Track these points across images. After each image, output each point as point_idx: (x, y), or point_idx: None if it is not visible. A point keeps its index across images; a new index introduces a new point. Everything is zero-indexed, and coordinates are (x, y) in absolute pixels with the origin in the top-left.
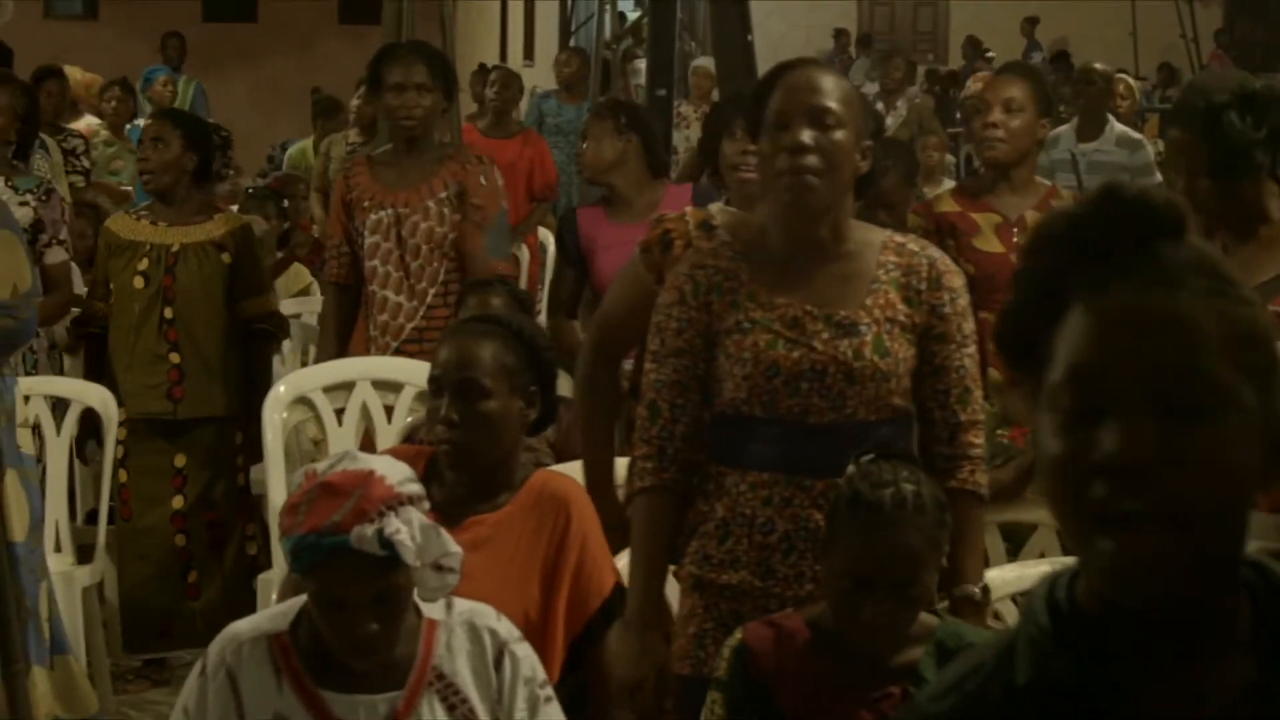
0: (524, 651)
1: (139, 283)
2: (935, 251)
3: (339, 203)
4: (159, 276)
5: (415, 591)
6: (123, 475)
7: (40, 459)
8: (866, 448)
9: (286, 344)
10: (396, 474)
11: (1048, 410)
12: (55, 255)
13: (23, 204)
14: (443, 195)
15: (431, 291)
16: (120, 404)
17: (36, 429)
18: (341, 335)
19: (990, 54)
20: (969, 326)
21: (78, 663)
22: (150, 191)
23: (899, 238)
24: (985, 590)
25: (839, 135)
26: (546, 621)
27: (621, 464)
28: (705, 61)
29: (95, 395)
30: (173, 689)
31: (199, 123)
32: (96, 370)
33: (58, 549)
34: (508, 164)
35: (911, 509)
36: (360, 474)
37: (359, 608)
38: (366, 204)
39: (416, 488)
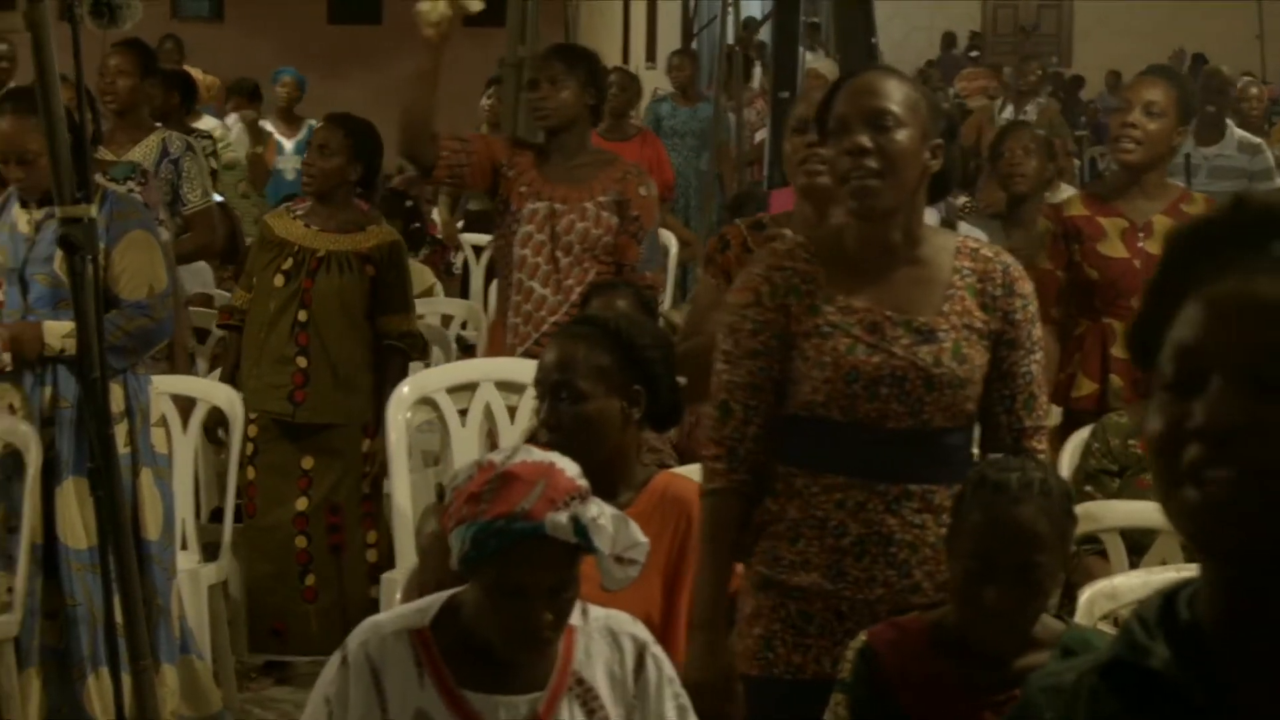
0: (662, 653)
1: (279, 281)
2: (1007, 257)
3: (502, 149)
4: (299, 278)
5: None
6: (250, 472)
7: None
8: (941, 456)
9: None
10: (572, 468)
11: (1154, 390)
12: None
13: (128, 191)
14: (602, 199)
15: (578, 290)
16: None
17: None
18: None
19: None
20: (1037, 333)
21: (202, 661)
22: (309, 193)
23: (972, 242)
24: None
25: (900, 136)
26: (668, 623)
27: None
28: (817, 62)
29: (222, 395)
30: (296, 687)
31: (368, 132)
32: (236, 362)
33: (184, 547)
34: None
35: (1038, 491)
36: (542, 464)
37: (538, 596)
38: (524, 189)
39: (587, 483)
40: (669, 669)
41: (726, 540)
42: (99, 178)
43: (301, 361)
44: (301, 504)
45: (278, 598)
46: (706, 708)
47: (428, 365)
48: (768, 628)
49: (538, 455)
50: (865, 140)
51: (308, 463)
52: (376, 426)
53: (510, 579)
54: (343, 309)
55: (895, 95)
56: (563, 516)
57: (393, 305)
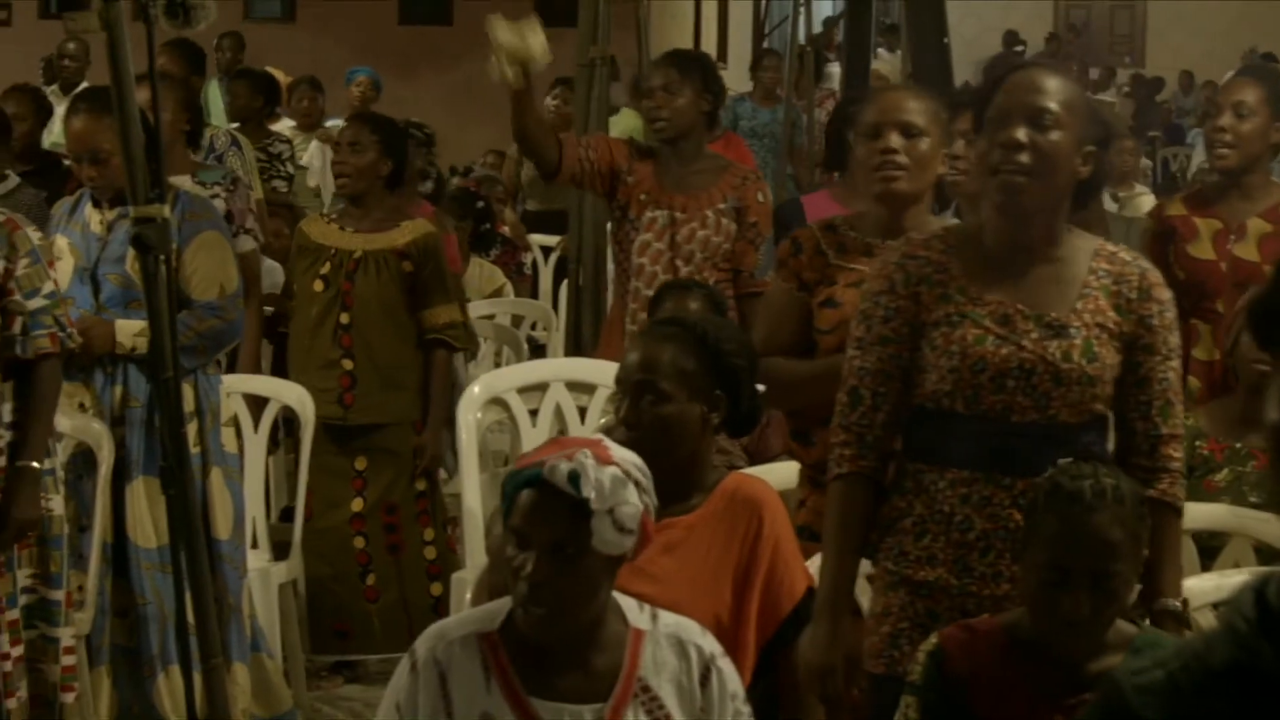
0: (728, 667)
1: (318, 286)
2: (1145, 262)
3: (623, 154)
4: (338, 281)
5: (592, 540)
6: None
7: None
8: (1068, 452)
9: (484, 346)
10: (629, 455)
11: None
12: (244, 244)
13: (213, 197)
14: (721, 206)
15: None
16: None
17: (235, 426)
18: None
19: None
20: (1175, 340)
21: (272, 660)
22: (345, 195)
23: (1111, 246)
24: (1185, 603)
25: (1055, 136)
26: (738, 625)
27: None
28: (881, 63)
29: (293, 394)
30: (365, 685)
31: (396, 128)
32: (282, 370)
33: (254, 546)
34: None
35: (1111, 499)
36: (591, 439)
37: (542, 549)
38: (643, 197)
39: (644, 479)
40: (733, 683)
41: (852, 525)
42: (184, 179)
43: (347, 364)
44: (357, 505)
45: (339, 599)
46: (823, 692)
47: (496, 361)
48: (895, 626)
49: (595, 436)
50: (1021, 135)
51: (360, 463)
52: (424, 422)
53: (517, 526)
54: (384, 308)
55: (1058, 95)
56: (564, 465)
57: (433, 298)
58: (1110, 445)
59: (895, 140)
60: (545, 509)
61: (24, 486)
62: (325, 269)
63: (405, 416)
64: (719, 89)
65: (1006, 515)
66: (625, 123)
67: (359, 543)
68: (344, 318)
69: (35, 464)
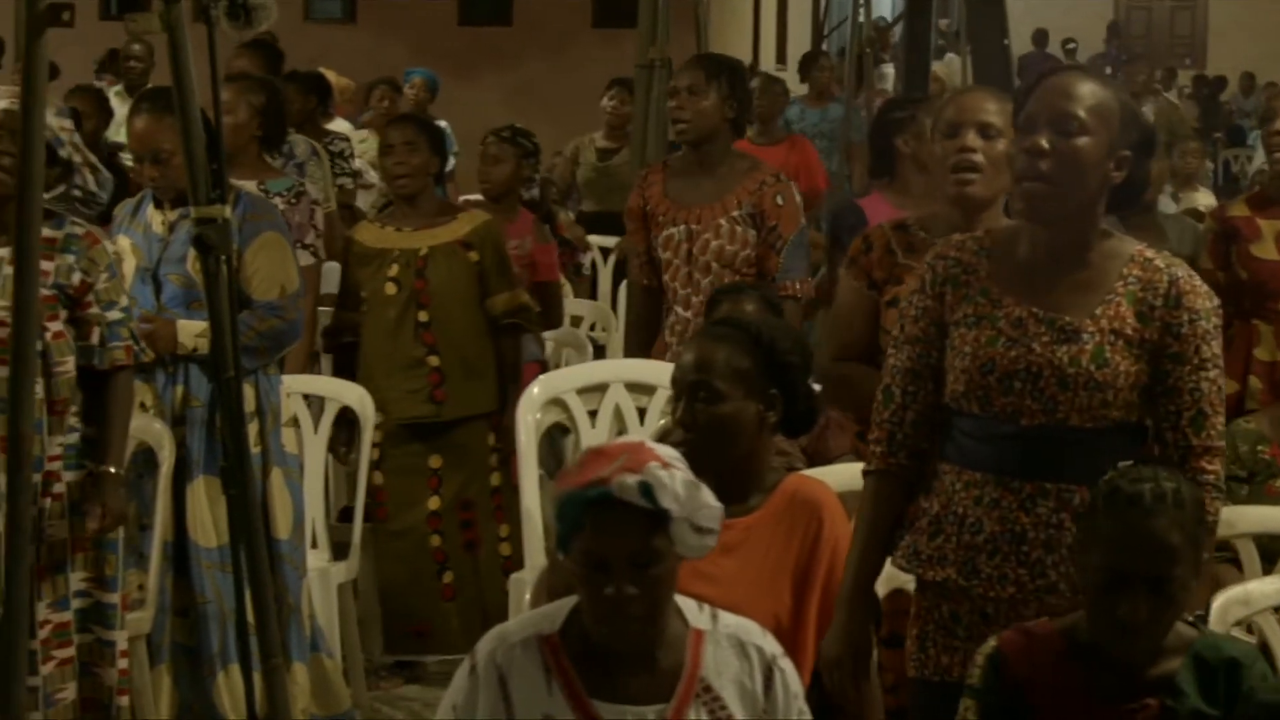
0: (789, 667)
1: (391, 289)
2: (1181, 270)
3: (637, 210)
4: (410, 281)
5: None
6: (377, 478)
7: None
8: (1080, 457)
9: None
10: (669, 452)
11: None
12: (301, 259)
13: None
14: (735, 213)
15: None
16: (378, 410)
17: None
18: (644, 336)
19: None
20: (1210, 350)
21: (331, 660)
22: (404, 195)
23: (1149, 253)
24: (1201, 618)
25: (1081, 142)
26: (798, 626)
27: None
28: (938, 65)
29: (353, 394)
30: (425, 685)
31: (436, 127)
32: (349, 378)
33: (314, 546)
34: None
35: (1170, 503)
36: (632, 443)
37: (620, 567)
38: (660, 218)
39: (679, 461)
40: (795, 683)
41: (878, 521)
42: (249, 184)
43: (433, 360)
44: (433, 503)
45: (416, 600)
46: (835, 684)
47: (556, 361)
48: (922, 629)
49: (634, 439)
50: (1044, 142)
51: (436, 462)
52: (503, 408)
53: (591, 550)
54: (459, 300)
55: (1086, 100)
56: (631, 479)
57: (498, 284)
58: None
59: (973, 140)
60: (618, 525)
61: (108, 488)
62: (394, 271)
63: (490, 406)
64: (745, 96)
65: (1014, 518)
66: None
67: (435, 541)
68: (422, 315)
69: (114, 469)
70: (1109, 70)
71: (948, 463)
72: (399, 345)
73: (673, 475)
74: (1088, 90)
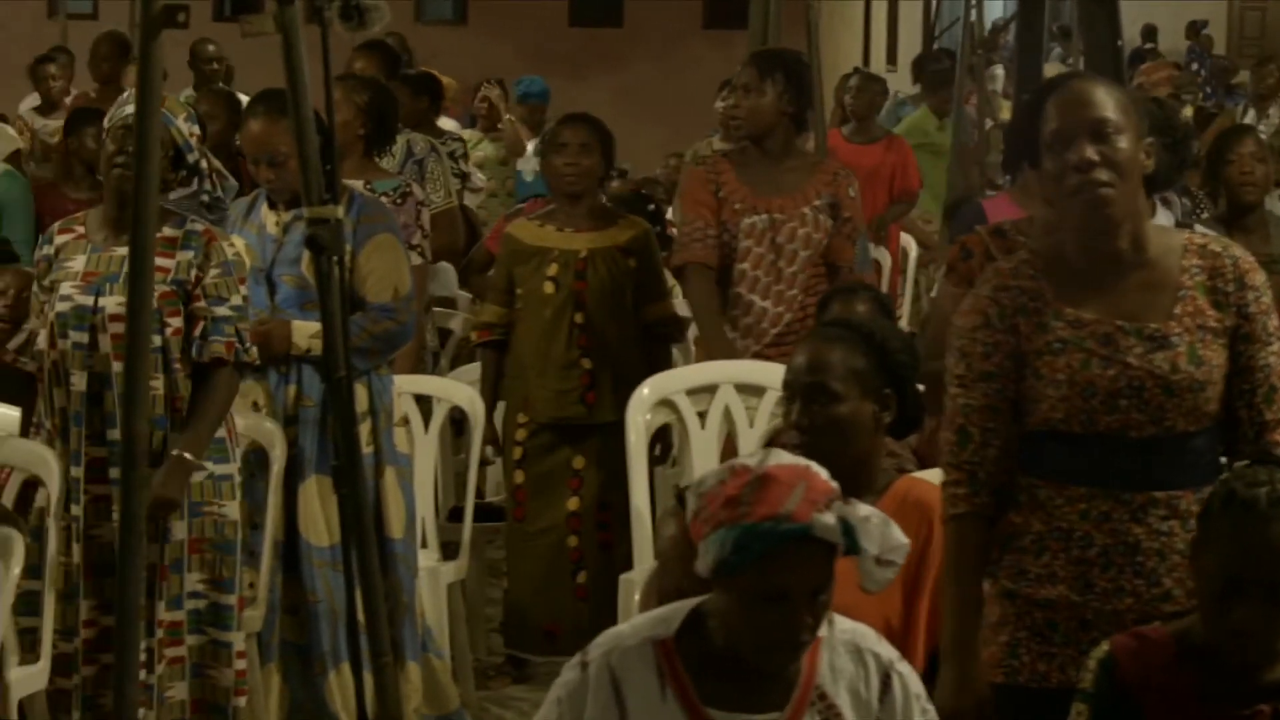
0: (907, 669)
1: (549, 288)
2: (1236, 250)
3: (708, 192)
4: (569, 281)
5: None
6: (519, 476)
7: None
8: (1184, 460)
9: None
10: (824, 471)
11: None
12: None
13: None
14: (817, 203)
15: (800, 297)
16: (523, 409)
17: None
18: (722, 318)
19: None
20: (1273, 323)
21: (440, 660)
22: (569, 194)
23: (1198, 239)
24: None
25: (1122, 143)
26: (908, 630)
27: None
28: (1051, 66)
29: (463, 394)
30: (533, 685)
31: (609, 132)
32: (499, 374)
33: (423, 546)
34: (870, 170)
35: None
36: (799, 467)
37: (800, 600)
38: (738, 206)
39: (838, 486)
40: (915, 684)
41: (972, 565)
42: (354, 182)
43: (586, 363)
44: (573, 504)
45: (550, 599)
46: None
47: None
48: (1013, 635)
49: (789, 458)
50: (1091, 153)
51: (578, 463)
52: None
53: (774, 583)
54: (615, 304)
55: (1109, 102)
56: (829, 517)
57: (655, 293)
58: None
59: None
60: (807, 560)
61: (174, 472)
62: (553, 270)
63: None
64: (802, 90)
65: (1126, 529)
66: (913, 121)
67: (572, 541)
68: (578, 317)
69: (189, 456)
70: (1194, 68)
71: (1040, 479)
72: (554, 345)
73: (867, 514)
74: (1104, 93)
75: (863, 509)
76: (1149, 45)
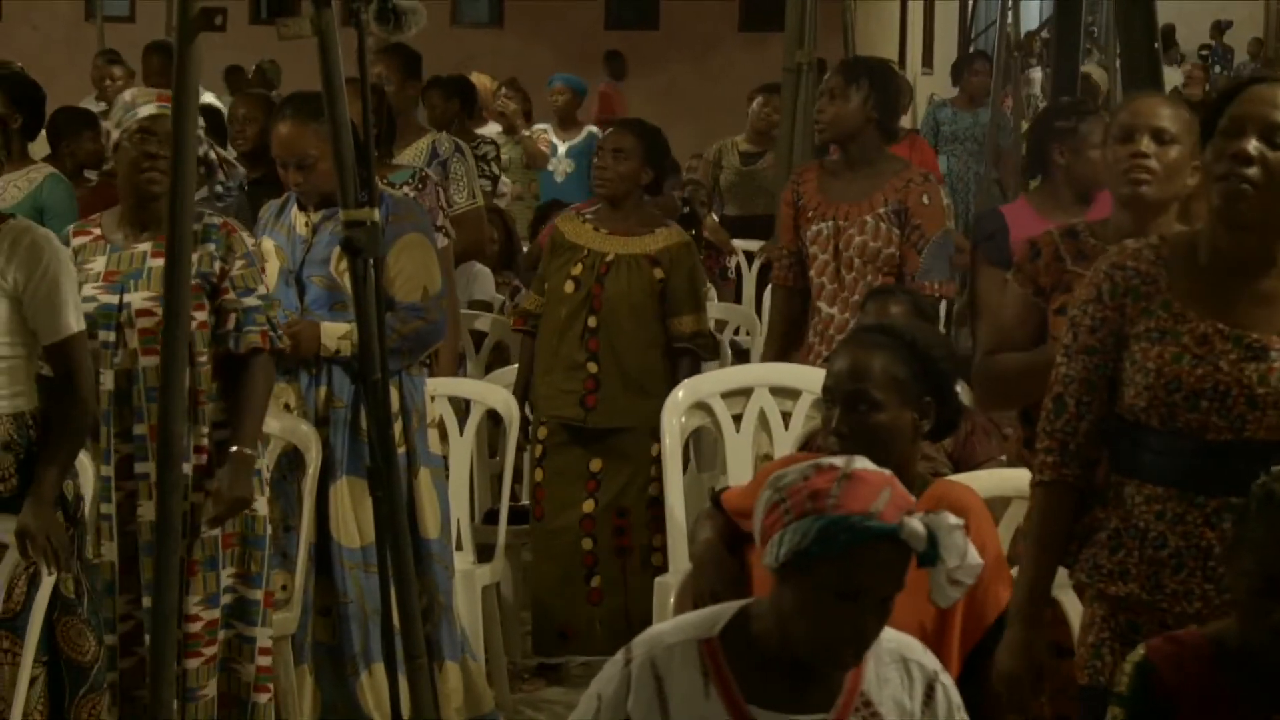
0: (949, 680)
1: (569, 287)
2: None
3: (789, 205)
4: (589, 283)
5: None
6: (539, 475)
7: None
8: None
9: None
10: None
11: None
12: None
13: (404, 195)
14: (882, 211)
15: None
16: (534, 405)
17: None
18: (784, 339)
19: None
20: None
21: (474, 661)
22: (602, 196)
23: None
24: None
25: None
26: (943, 632)
27: (988, 477)
28: (1090, 68)
29: (499, 397)
30: (568, 688)
31: (659, 137)
32: (530, 368)
33: (459, 548)
34: None
35: None
36: (884, 474)
37: (871, 601)
38: (811, 214)
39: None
40: (956, 696)
41: (1052, 533)
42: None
43: (592, 367)
44: (588, 506)
45: (564, 600)
46: (1011, 698)
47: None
48: (1098, 636)
49: (872, 465)
50: (1252, 148)
51: (596, 465)
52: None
53: (851, 580)
54: (632, 313)
55: None
56: (918, 524)
57: (682, 306)
58: None
59: (1147, 145)
60: (887, 563)
61: (239, 469)
62: (577, 270)
63: (647, 423)
64: (888, 98)
65: (1199, 534)
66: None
67: (587, 544)
68: (591, 320)
69: (249, 450)
70: (1218, 70)
71: (1126, 476)
72: (564, 344)
73: (952, 527)
74: None
75: (950, 519)
76: (1168, 47)
